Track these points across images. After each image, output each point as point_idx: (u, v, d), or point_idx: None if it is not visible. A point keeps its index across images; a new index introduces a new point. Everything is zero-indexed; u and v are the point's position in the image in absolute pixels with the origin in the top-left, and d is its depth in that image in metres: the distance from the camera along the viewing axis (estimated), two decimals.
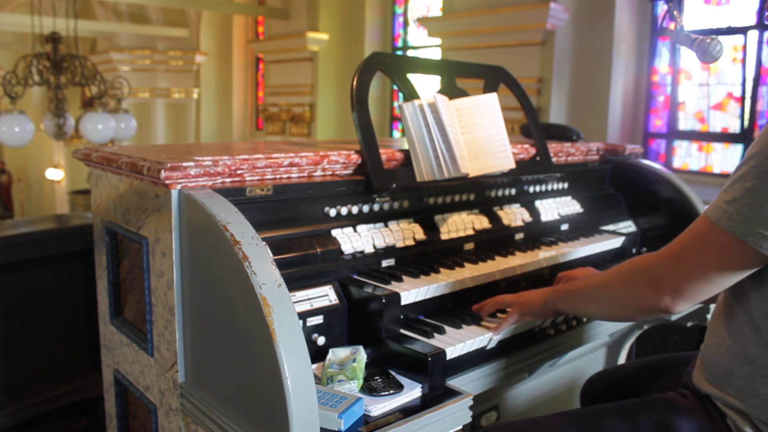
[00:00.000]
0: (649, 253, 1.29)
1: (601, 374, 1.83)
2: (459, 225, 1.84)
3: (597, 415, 1.41)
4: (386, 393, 1.26)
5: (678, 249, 1.21)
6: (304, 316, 1.38)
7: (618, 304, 1.35)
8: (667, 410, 1.33)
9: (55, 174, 13.02)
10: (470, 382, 1.54)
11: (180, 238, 1.32)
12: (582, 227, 2.25)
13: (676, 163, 5.33)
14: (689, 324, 2.26)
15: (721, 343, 1.29)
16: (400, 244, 1.68)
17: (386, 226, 1.69)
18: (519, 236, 2.03)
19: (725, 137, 5.00)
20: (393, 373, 1.36)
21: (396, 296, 1.46)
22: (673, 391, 1.40)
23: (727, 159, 5.02)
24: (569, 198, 2.27)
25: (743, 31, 4.73)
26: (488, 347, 1.55)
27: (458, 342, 1.45)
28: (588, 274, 1.69)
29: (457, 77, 1.94)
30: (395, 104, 7.94)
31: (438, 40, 6.36)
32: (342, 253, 1.55)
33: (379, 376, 1.32)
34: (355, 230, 1.61)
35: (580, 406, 1.81)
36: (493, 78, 2.06)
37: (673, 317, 1.23)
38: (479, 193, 1.96)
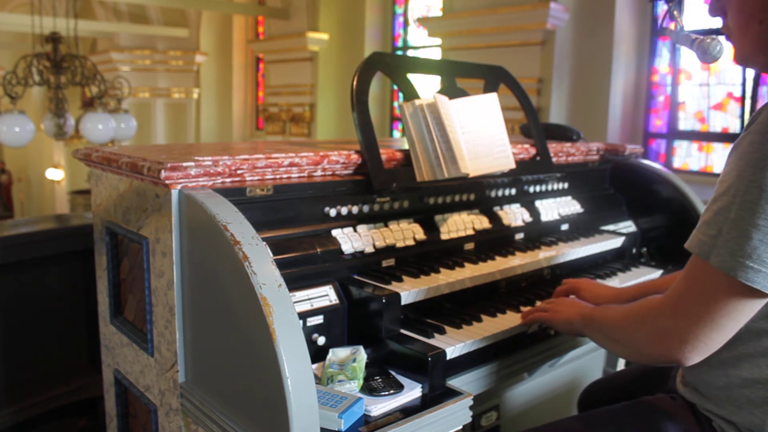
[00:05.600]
0: (656, 297, 1.22)
1: (598, 383, 1.83)
2: (459, 225, 1.84)
3: (586, 421, 1.41)
4: (386, 393, 1.27)
5: (679, 294, 1.14)
6: (304, 316, 1.38)
7: (632, 351, 1.28)
8: (656, 413, 1.33)
9: (55, 174, 13.02)
10: (470, 382, 1.54)
11: (180, 238, 1.32)
12: (582, 227, 2.25)
13: (677, 163, 5.33)
14: None
15: None
16: (400, 244, 1.68)
17: (386, 226, 1.69)
18: (519, 236, 2.03)
19: (725, 137, 4.99)
20: (393, 373, 1.36)
21: (396, 296, 1.46)
22: (663, 393, 1.40)
23: None
24: (569, 198, 2.27)
25: None
26: (488, 346, 1.55)
27: (458, 342, 1.45)
28: (592, 286, 1.67)
29: (457, 77, 1.94)
30: (395, 104, 7.94)
31: (438, 40, 6.36)
32: (342, 253, 1.55)
33: (379, 376, 1.32)
34: (355, 230, 1.61)
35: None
36: (493, 78, 2.06)
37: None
38: (479, 193, 1.96)
